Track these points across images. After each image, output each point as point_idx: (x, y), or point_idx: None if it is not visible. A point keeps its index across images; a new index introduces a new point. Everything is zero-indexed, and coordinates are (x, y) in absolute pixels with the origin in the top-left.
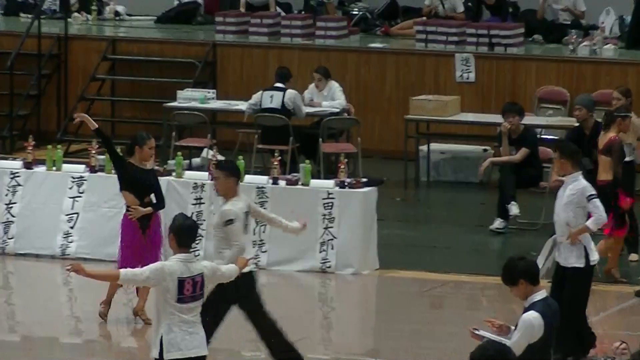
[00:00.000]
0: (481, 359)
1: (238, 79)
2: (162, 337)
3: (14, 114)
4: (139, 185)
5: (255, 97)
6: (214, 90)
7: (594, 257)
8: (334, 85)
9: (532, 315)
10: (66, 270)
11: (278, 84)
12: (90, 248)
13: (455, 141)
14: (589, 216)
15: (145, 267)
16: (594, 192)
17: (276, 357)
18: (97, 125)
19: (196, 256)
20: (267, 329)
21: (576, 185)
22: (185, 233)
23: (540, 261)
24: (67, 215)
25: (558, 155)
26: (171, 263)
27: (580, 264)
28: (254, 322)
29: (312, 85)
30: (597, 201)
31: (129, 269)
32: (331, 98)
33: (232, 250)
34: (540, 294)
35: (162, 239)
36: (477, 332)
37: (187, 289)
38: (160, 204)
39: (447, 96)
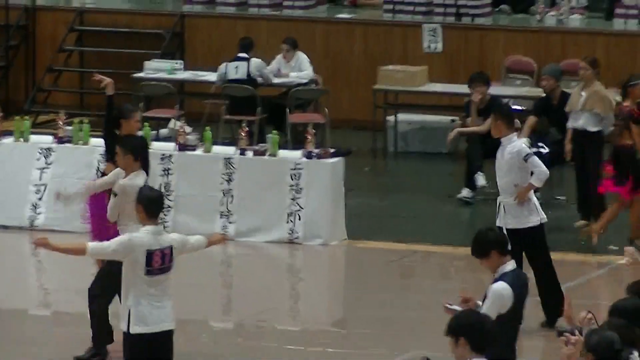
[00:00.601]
0: (459, 329)
1: (206, 50)
2: (129, 310)
3: None
4: None
5: (220, 69)
6: (182, 61)
7: (543, 215)
8: (302, 56)
9: (502, 285)
10: (32, 244)
11: (241, 54)
12: (59, 220)
13: (424, 111)
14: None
15: (112, 240)
16: (529, 151)
17: None
18: (112, 93)
19: (165, 228)
20: None
21: (513, 147)
22: (153, 204)
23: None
24: (35, 186)
25: (493, 117)
26: (140, 235)
27: (535, 222)
28: None
29: (279, 56)
30: (535, 158)
31: (96, 242)
32: (299, 69)
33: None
34: (510, 265)
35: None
36: (450, 306)
37: (156, 261)
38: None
39: (415, 66)
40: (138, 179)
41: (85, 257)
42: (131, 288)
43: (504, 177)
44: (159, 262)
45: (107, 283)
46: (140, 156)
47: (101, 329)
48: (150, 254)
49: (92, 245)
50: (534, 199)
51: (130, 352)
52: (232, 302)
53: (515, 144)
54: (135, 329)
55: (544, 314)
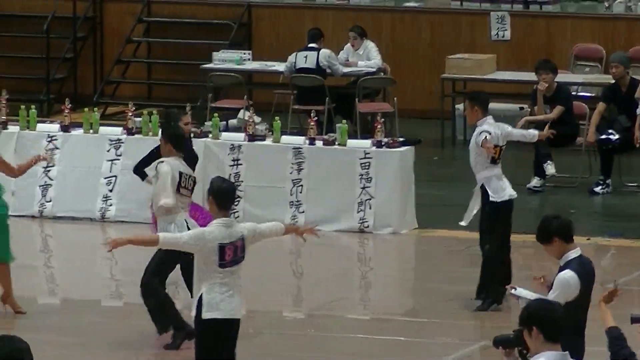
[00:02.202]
0: (531, 319)
1: (273, 40)
2: (202, 296)
3: (51, 77)
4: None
5: (290, 59)
6: (250, 51)
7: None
8: (370, 45)
9: (568, 274)
10: (107, 251)
11: (311, 45)
12: (129, 211)
13: (491, 100)
14: None
15: (185, 232)
16: (484, 129)
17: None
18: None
19: (235, 218)
20: None
21: (476, 130)
22: (224, 196)
23: (470, 208)
24: (106, 178)
25: (469, 104)
26: (211, 229)
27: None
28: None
29: (347, 45)
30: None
31: (168, 234)
32: (367, 57)
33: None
34: (575, 252)
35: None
36: (514, 291)
37: (229, 254)
38: None
39: (483, 55)
40: (177, 162)
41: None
42: (204, 277)
43: (470, 157)
44: (231, 255)
45: (161, 269)
46: (176, 145)
47: (170, 313)
48: (222, 248)
49: (164, 236)
50: (504, 178)
51: (202, 337)
52: (302, 292)
53: (478, 128)
54: (207, 315)
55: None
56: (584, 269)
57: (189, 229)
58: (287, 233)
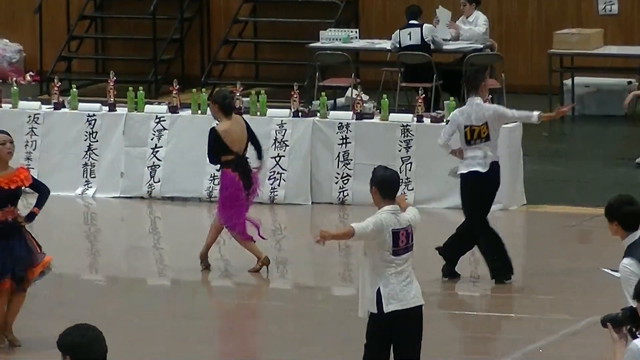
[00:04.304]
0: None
1: (380, 18)
2: (379, 290)
3: (158, 58)
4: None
5: (394, 37)
6: (357, 30)
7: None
8: (480, 15)
9: (626, 261)
10: (316, 242)
11: (412, 21)
12: None
13: (599, 74)
14: None
15: (367, 220)
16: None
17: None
18: None
19: (345, 197)
20: None
21: None
22: (388, 184)
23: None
24: None
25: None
26: (384, 215)
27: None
28: None
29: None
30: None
31: (359, 224)
32: (476, 26)
33: None
34: (634, 236)
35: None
36: (606, 270)
37: (402, 240)
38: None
39: (590, 29)
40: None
41: None
42: (378, 269)
43: None
44: (404, 241)
45: None
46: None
47: None
48: (395, 234)
49: (357, 227)
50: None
51: (381, 330)
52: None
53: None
54: (389, 308)
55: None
56: None
57: None
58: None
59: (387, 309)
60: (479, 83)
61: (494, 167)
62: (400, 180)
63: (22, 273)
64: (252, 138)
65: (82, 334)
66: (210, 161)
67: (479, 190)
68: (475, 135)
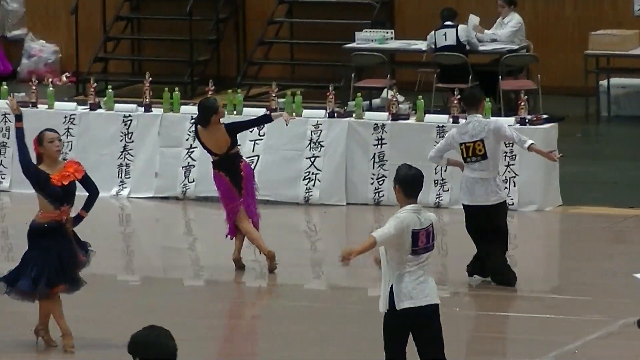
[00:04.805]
0: None
1: (415, 19)
2: (392, 287)
3: (194, 59)
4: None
5: (429, 38)
6: (392, 30)
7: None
8: (515, 17)
9: None
10: (342, 264)
11: (447, 22)
12: (271, 190)
13: (635, 75)
14: None
15: (389, 223)
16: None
17: None
18: None
19: (381, 197)
20: None
21: None
22: (411, 183)
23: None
24: (248, 158)
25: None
26: (405, 215)
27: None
28: None
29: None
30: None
31: (379, 231)
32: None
33: None
34: None
35: (254, 188)
36: (636, 275)
37: (422, 240)
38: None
39: (627, 30)
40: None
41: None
42: (394, 268)
43: None
44: (424, 241)
45: None
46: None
47: None
48: (415, 234)
49: (378, 235)
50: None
51: (394, 328)
52: (448, 270)
53: None
54: (401, 305)
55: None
56: None
57: None
58: None
59: (399, 306)
60: (479, 102)
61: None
62: (423, 179)
63: (75, 276)
64: (242, 127)
65: (151, 335)
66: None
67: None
68: (471, 152)
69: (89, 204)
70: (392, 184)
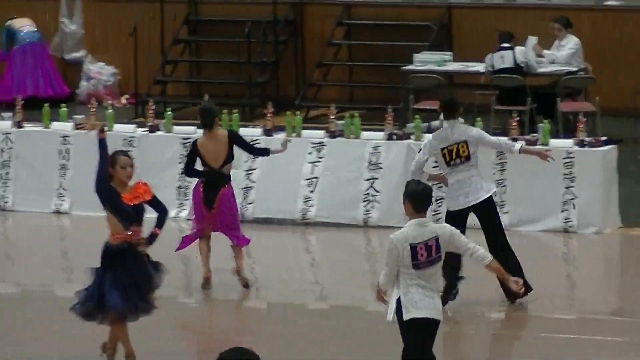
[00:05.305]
0: None
1: (474, 41)
2: (399, 297)
3: (253, 81)
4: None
5: (487, 61)
6: (451, 53)
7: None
8: (572, 39)
9: None
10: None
11: (504, 45)
12: (330, 211)
13: None
14: None
15: (386, 259)
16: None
17: None
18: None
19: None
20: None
21: None
22: (419, 198)
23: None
24: (307, 180)
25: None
26: (402, 231)
27: None
28: None
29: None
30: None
31: (380, 278)
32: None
33: None
34: None
35: (236, 207)
36: None
37: (421, 254)
38: None
39: None
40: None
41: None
42: (400, 280)
43: None
44: (424, 254)
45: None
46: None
47: None
48: (413, 248)
49: (382, 280)
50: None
51: (408, 336)
52: (485, 288)
53: None
54: (408, 315)
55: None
56: None
57: None
58: (489, 269)
59: (406, 316)
60: (457, 108)
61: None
62: (432, 195)
63: (149, 298)
64: (243, 143)
65: (237, 357)
66: (184, 172)
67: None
68: (454, 154)
69: (161, 222)
70: (402, 199)
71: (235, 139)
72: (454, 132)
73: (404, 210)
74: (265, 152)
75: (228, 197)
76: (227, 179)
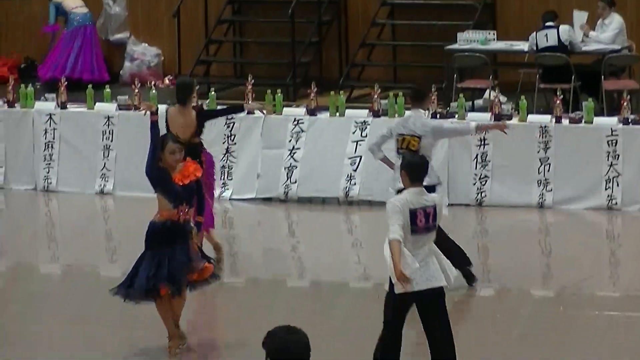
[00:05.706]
0: None
1: (518, 20)
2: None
3: (296, 61)
4: None
5: (531, 40)
6: (494, 32)
7: None
8: (615, 18)
9: None
10: (406, 289)
11: (548, 23)
12: (372, 190)
13: None
14: None
15: (389, 218)
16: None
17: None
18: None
19: (483, 198)
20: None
21: None
22: (415, 168)
23: None
24: (350, 158)
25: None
26: (404, 196)
27: None
28: None
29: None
30: None
31: (391, 232)
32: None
33: None
34: None
35: (214, 180)
36: None
37: (420, 219)
38: None
39: None
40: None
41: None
42: None
43: None
44: (422, 220)
45: None
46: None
47: None
48: (413, 212)
49: (391, 238)
50: None
51: (395, 310)
52: (551, 270)
53: None
54: (398, 289)
55: None
56: None
57: None
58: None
59: (397, 290)
60: (424, 98)
61: None
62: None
63: (180, 279)
64: (213, 115)
65: (286, 336)
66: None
67: None
68: (405, 144)
69: (201, 208)
70: (400, 171)
71: (203, 115)
72: (415, 123)
73: (402, 182)
74: (238, 109)
75: (211, 161)
76: (201, 146)
